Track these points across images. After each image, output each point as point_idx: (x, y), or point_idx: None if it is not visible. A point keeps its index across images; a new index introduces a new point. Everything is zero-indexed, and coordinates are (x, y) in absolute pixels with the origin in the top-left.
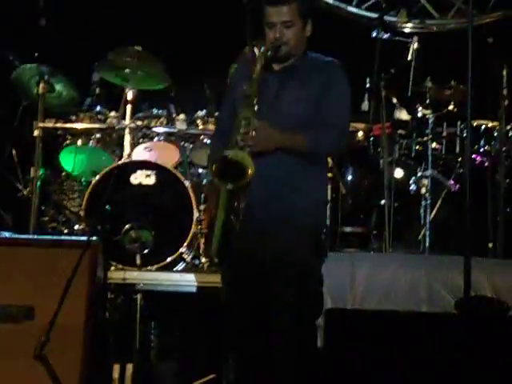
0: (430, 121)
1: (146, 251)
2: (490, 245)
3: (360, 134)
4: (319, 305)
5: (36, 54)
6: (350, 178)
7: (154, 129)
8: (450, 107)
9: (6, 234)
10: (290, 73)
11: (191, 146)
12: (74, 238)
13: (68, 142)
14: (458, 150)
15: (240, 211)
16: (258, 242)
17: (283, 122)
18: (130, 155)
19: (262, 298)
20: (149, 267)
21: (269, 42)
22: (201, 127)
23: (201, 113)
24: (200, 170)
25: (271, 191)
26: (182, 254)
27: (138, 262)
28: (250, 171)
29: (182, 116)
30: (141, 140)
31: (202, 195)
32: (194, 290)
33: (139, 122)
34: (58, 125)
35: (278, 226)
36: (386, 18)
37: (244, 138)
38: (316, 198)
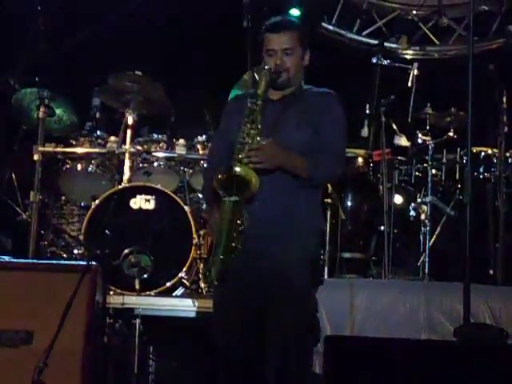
0: (430, 147)
1: (145, 276)
2: (491, 271)
3: (360, 160)
4: (315, 331)
5: (36, 79)
6: (349, 203)
7: (154, 153)
8: (450, 134)
9: (5, 258)
10: (289, 102)
11: (191, 171)
12: (73, 262)
13: (68, 166)
14: (457, 176)
15: (243, 227)
16: (255, 262)
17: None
18: (129, 180)
19: (256, 317)
20: (148, 292)
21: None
22: (201, 152)
23: (201, 138)
24: (200, 195)
25: (267, 214)
26: (181, 278)
27: (137, 286)
28: (254, 184)
29: (181, 141)
30: (140, 165)
31: (202, 220)
32: (193, 314)
33: (139, 147)
34: (58, 149)
35: (274, 250)
36: (387, 44)
37: (249, 155)
38: (313, 226)
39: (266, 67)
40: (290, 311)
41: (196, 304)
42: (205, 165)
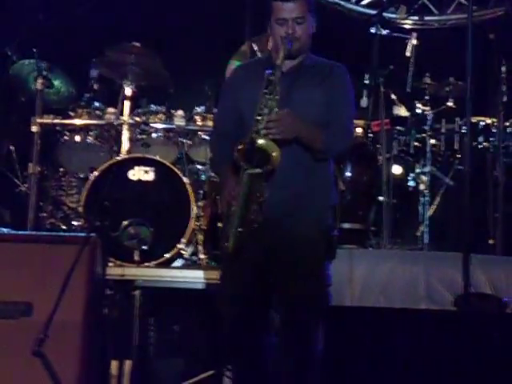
0: (429, 117)
1: (144, 247)
2: (491, 241)
3: (359, 130)
4: (327, 303)
5: (34, 50)
6: (348, 174)
7: (153, 125)
8: (449, 103)
9: (4, 230)
10: (299, 73)
11: (189, 142)
12: (72, 234)
13: (66, 137)
14: (456, 146)
15: (263, 199)
16: (271, 233)
17: None
18: (128, 151)
19: (266, 290)
20: (147, 263)
21: (279, 38)
22: (199, 123)
23: (199, 109)
24: (199, 167)
25: (284, 189)
26: (180, 250)
27: (137, 258)
28: (276, 157)
29: (180, 112)
30: (139, 136)
31: (201, 192)
32: (192, 286)
33: (137, 118)
34: (56, 121)
35: (288, 223)
36: (385, 14)
37: (268, 126)
38: (327, 200)
39: (283, 36)
40: (302, 284)
41: (196, 275)
42: (203, 136)
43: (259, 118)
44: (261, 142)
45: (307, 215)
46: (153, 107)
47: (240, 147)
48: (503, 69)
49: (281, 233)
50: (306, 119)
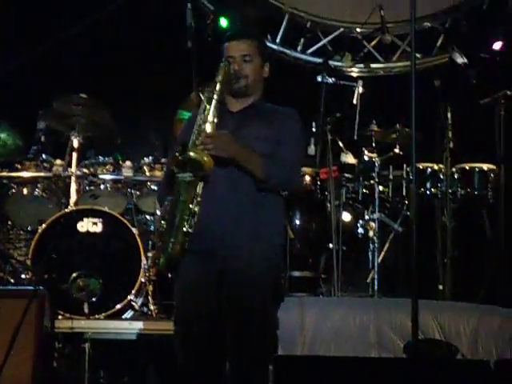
0: (377, 164)
1: (94, 299)
2: (441, 287)
3: (307, 177)
4: (275, 348)
5: None
6: (297, 222)
7: (101, 176)
8: (396, 150)
9: None
10: (249, 113)
11: (138, 192)
12: (20, 287)
13: (14, 190)
14: (404, 192)
15: (196, 210)
16: (212, 267)
17: None
18: (76, 203)
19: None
20: (97, 315)
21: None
22: (148, 174)
23: (147, 159)
24: (147, 217)
25: (226, 222)
26: (130, 301)
27: (86, 310)
28: (208, 163)
29: (128, 163)
30: (87, 188)
31: (150, 242)
32: (143, 337)
33: (85, 170)
34: (3, 173)
35: (233, 262)
36: (331, 62)
37: (204, 141)
38: (274, 239)
39: (223, 60)
40: (248, 331)
41: (146, 326)
42: (152, 186)
43: (197, 132)
44: (191, 154)
45: (251, 248)
46: (100, 158)
47: (174, 157)
48: (449, 115)
49: (226, 263)
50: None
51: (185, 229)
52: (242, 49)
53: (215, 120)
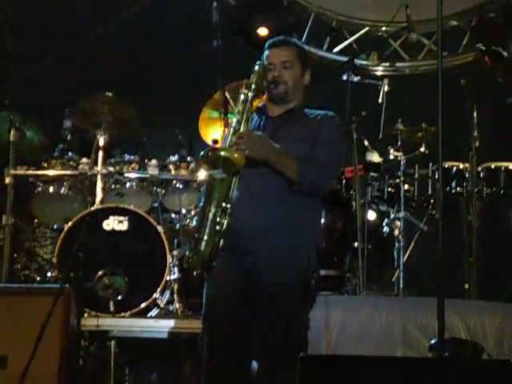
0: (402, 163)
1: (119, 297)
2: (466, 286)
3: None
4: (303, 348)
5: (6, 102)
6: (322, 220)
7: (126, 174)
8: (422, 149)
9: None
10: (287, 117)
11: (163, 191)
12: (46, 285)
13: (40, 189)
14: (430, 191)
15: (229, 208)
16: (249, 260)
17: None
18: (102, 201)
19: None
20: (122, 314)
21: (267, 81)
22: (173, 172)
23: (173, 158)
24: (173, 215)
25: (258, 223)
26: (155, 299)
27: (112, 308)
28: (239, 159)
29: (153, 161)
30: (113, 186)
31: (175, 240)
32: (168, 335)
33: (111, 168)
34: (30, 172)
35: (264, 262)
36: (357, 61)
37: (237, 141)
38: (306, 239)
39: (258, 62)
40: (274, 331)
41: (171, 325)
42: (177, 184)
43: (232, 132)
44: (222, 152)
45: (280, 247)
46: (126, 157)
47: (206, 156)
48: (475, 114)
49: (255, 262)
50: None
51: (218, 227)
52: (282, 55)
53: (249, 121)
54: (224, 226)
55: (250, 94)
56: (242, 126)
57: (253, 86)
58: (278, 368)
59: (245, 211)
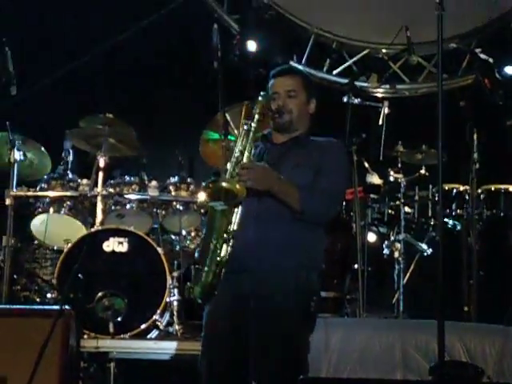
0: (402, 185)
1: (119, 319)
2: (466, 308)
3: None
4: (303, 372)
5: (7, 123)
6: None
7: (127, 196)
8: (422, 171)
9: None
10: (291, 144)
11: (164, 212)
12: (46, 306)
13: (40, 210)
14: (430, 213)
15: (230, 237)
16: (242, 292)
17: None
18: (102, 222)
19: (241, 355)
20: (122, 335)
21: (272, 110)
22: (173, 193)
23: (173, 179)
24: (173, 237)
25: (259, 248)
26: (155, 321)
27: (111, 329)
28: (240, 190)
29: (154, 183)
30: (113, 207)
31: (175, 262)
32: (168, 357)
33: (111, 189)
34: (30, 193)
35: (262, 285)
36: (357, 83)
37: (240, 172)
38: (306, 264)
39: (262, 93)
40: (271, 355)
41: (171, 346)
42: (177, 206)
43: (234, 163)
44: (224, 184)
45: (278, 270)
46: (126, 178)
47: (207, 187)
48: (475, 136)
49: (252, 285)
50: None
51: (219, 258)
52: (286, 84)
53: (252, 151)
54: (225, 257)
55: (253, 125)
56: (245, 156)
57: (256, 117)
58: None
59: (244, 234)
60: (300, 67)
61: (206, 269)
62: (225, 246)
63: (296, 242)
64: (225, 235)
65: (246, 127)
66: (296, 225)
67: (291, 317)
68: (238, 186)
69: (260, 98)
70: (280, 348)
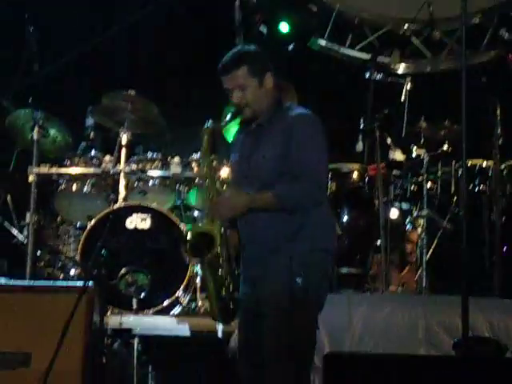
0: (425, 160)
1: (142, 295)
2: (489, 284)
3: (355, 174)
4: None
5: (30, 99)
6: (345, 218)
7: (149, 172)
8: (445, 147)
9: (2, 281)
10: (261, 130)
11: (186, 188)
12: (70, 283)
13: (63, 187)
14: (453, 189)
15: (227, 278)
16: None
17: (256, 180)
18: (125, 199)
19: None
20: (145, 311)
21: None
22: (195, 170)
23: (195, 156)
24: (195, 213)
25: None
26: (178, 297)
27: (135, 306)
28: (216, 241)
29: (176, 159)
30: (136, 184)
31: None
32: (190, 334)
33: (134, 166)
34: (53, 170)
35: (260, 282)
36: (379, 59)
37: (209, 212)
38: (300, 248)
39: (205, 127)
40: (268, 339)
41: (193, 323)
42: (200, 181)
43: (206, 202)
44: (198, 229)
45: (276, 261)
46: (149, 154)
47: (187, 243)
48: (498, 111)
49: (256, 283)
50: (263, 176)
51: (222, 295)
52: (233, 81)
53: (217, 185)
54: (229, 289)
55: (208, 159)
56: (212, 191)
57: (207, 151)
58: (274, 373)
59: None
60: (322, 42)
61: (213, 306)
62: (225, 283)
63: (286, 232)
64: (220, 279)
65: (205, 164)
66: (285, 216)
67: (278, 298)
68: (209, 226)
69: (202, 134)
70: (271, 327)
